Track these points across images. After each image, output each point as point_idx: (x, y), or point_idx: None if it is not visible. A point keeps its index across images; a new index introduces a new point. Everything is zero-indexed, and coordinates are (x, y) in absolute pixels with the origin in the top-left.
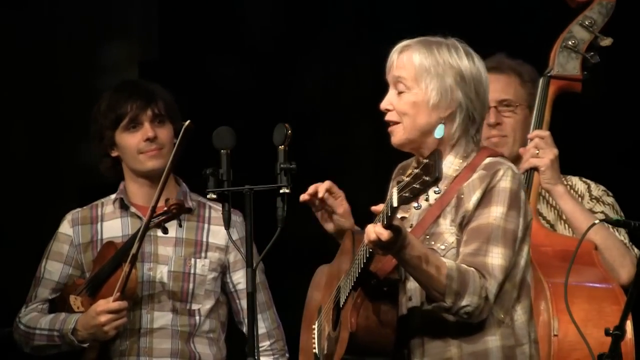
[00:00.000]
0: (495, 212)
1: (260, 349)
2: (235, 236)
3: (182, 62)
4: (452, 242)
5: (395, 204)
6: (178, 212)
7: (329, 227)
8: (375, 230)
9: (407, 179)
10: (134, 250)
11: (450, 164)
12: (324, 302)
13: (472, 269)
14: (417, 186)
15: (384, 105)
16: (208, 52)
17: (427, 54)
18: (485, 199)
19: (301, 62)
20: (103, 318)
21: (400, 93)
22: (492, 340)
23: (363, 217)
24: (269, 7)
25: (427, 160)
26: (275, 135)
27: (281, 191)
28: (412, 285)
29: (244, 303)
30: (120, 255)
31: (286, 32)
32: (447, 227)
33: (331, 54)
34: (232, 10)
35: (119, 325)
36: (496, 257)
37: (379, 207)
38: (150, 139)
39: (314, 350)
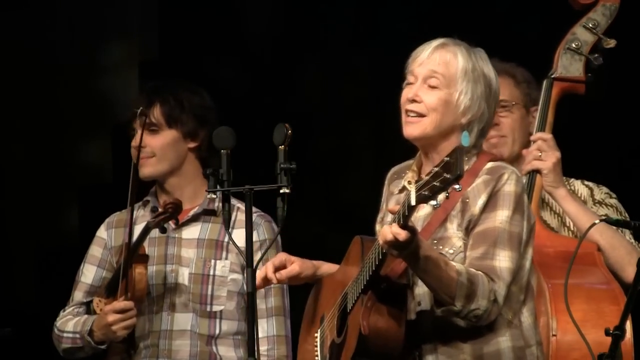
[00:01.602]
0: (501, 216)
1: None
2: (254, 238)
3: (182, 63)
4: (460, 246)
5: (413, 203)
6: (174, 211)
7: (299, 282)
8: (392, 231)
9: (426, 177)
10: (124, 252)
11: None
12: (327, 310)
13: (480, 272)
14: (437, 184)
15: (410, 95)
16: (208, 52)
17: (467, 57)
18: (490, 203)
19: (301, 62)
20: (110, 318)
21: (431, 88)
22: (504, 341)
23: (363, 217)
24: (268, 8)
25: (448, 158)
26: (275, 135)
27: (281, 191)
28: (420, 290)
29: None
30: (130, 257)
31: (286, 32)
32: (454, 232)
33: (331, 54)
34: (232, 10)
35: (128, 326)
36: (503, 260)
37: (394, 208)
38: (135, 147)
39: (315, 359)
